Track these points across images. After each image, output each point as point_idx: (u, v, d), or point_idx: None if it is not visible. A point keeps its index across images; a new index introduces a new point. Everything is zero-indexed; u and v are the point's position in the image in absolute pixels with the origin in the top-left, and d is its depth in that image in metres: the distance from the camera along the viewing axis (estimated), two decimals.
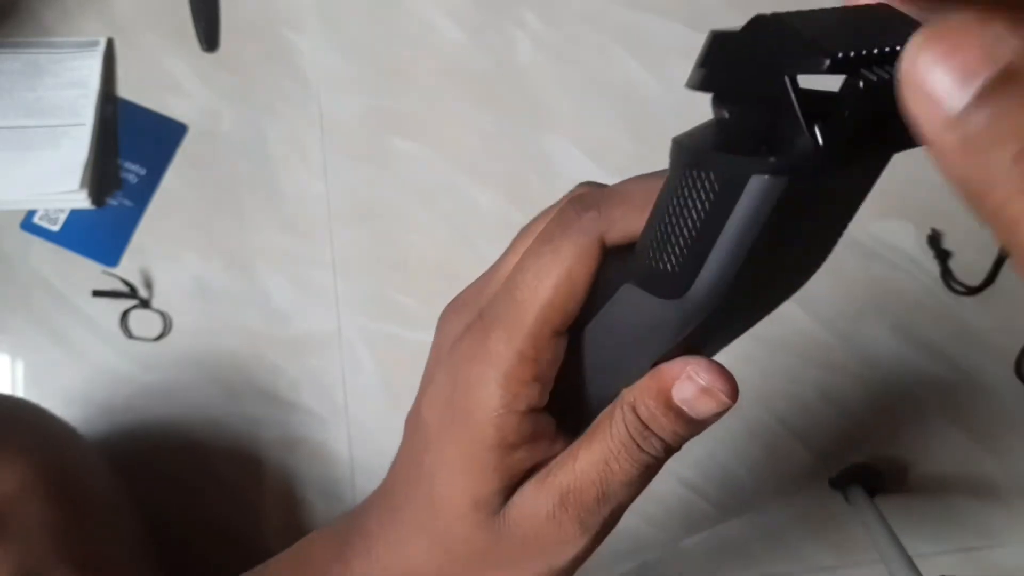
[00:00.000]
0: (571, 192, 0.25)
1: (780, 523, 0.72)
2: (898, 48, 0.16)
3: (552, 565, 0.26)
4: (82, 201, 0.70)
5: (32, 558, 0.43)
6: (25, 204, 0.71)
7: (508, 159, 0.76)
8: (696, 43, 0.19)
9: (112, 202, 0.72)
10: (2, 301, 0.70)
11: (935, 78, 0.13)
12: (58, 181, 0.69)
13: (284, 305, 0.71)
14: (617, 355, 0.25)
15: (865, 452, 0.73)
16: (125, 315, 0.69)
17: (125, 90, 0.75)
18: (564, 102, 0.77)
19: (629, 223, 0.22)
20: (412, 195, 0.74)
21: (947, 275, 0.75)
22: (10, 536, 0.43)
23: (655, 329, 0.23)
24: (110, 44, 0.75)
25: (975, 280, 0.75)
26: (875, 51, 0.16)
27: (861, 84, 0.16)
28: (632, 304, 0.23)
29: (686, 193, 0.19)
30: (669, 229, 0.20)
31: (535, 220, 0.26)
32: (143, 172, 0.73)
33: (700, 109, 0.21)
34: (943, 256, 0.75)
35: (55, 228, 0.71)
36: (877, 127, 0.16)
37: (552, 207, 0.25)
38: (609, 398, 0.26)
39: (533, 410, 0.24)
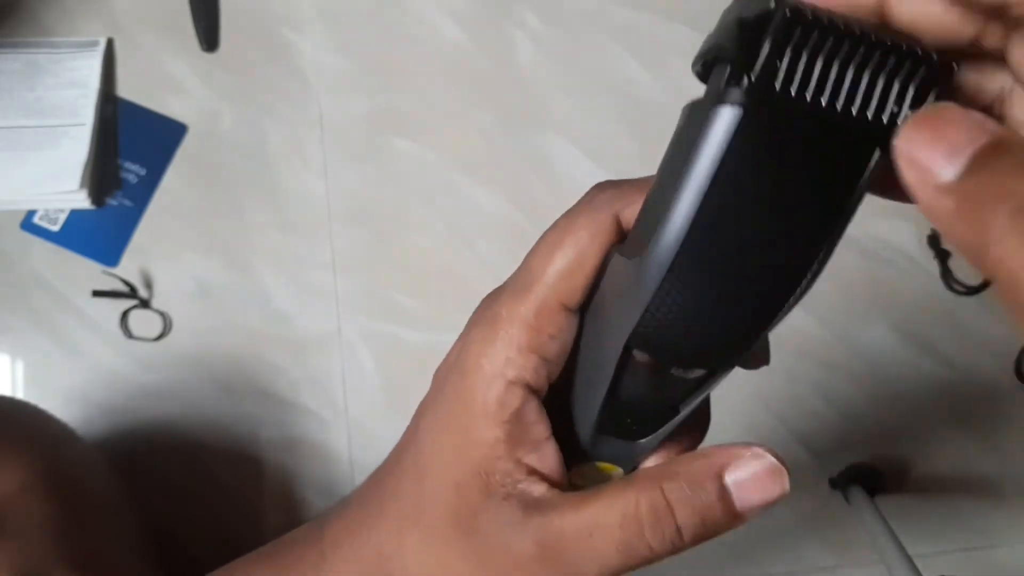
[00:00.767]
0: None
1: (780, 523, 0.72)
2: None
3: None
4: (82, 201, 0.70)
5: (31, 558, 0.43)
6: (25, 204, 0.71)
7: (508, 159, 0.76)
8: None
9: (112, 202, 0.72)
10: (2, 301, 0.69)
11: (927, 154, 0.16)
12: (58, 181, 0.69)
13: (284, 305, 0.71)
14: (598, 338, 0.23)
15: (865, 452, 0.73)
16: (125, 315, 0.69)
17: (125, 90, 0.75)
18: (564, 102, 0.77)
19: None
20: (412, 195, 0.74)
21: (947, 275, 0.75)
22: (9, 536, 0.43)
23: (623, 296, 0.22)
24: (110, 44, 0.75)
25: (975, 280, 0.75)
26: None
27: (786, 12, 0.17)
28: (613, 273, 0.22)
29: (667, 152, 0.20)
30: (652, 189, 0.21)
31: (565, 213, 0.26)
32: (143, 172, 0.73)
33: None
34: (943, 256, 0.75)
35: (55, 228, 0.71)
36: (822, 83, 0.17)
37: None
38: (590, 398, 0.24)
39: (526, 388, 0.23)
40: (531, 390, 0.23)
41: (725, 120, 0.18)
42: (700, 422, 0.26)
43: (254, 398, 0.69)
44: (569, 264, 0.22)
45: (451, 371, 0.24)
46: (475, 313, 0.25)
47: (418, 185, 0.75)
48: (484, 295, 0.25)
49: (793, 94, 0.18)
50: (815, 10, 0.17)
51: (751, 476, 0.21)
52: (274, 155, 0.74)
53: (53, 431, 0.54)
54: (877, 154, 0.18)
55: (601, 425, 0.25)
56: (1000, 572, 0.72)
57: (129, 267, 0.70)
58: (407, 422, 0.27)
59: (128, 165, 0.73)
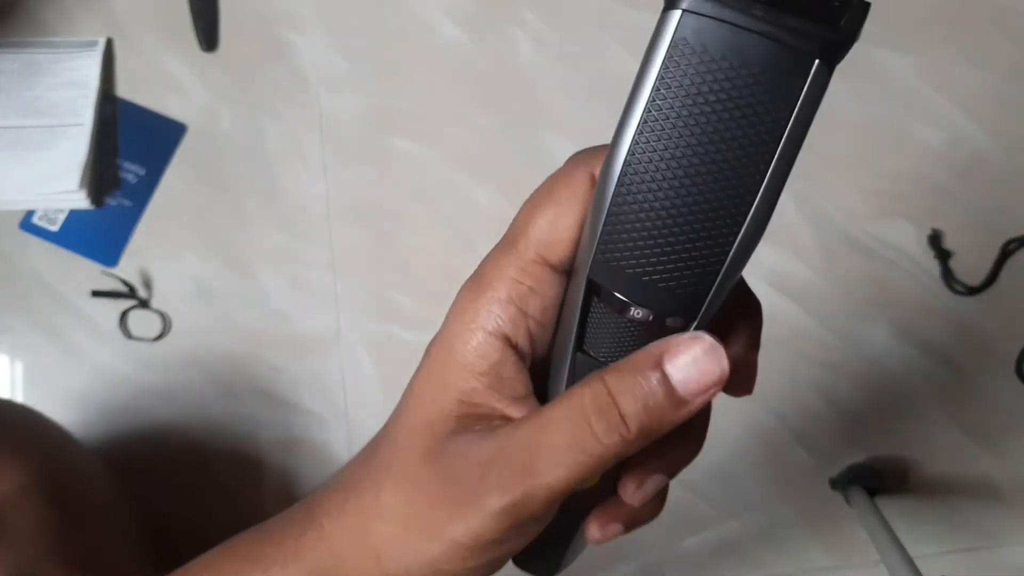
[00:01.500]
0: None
1: (780, 524, 0.72)
2: None
3: (452, 536, 0.22)
4: (81, 201, 0.70)
5: (29, 560, 0.43)
6: (24, 204, 0.71)
7: (508, 159, 0.76)
8: None
9: (111, 202, 0.72)
10: (1, 301, 0.69)
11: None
12: (57, 181, 0.69)
13: (284, 305, 0.71)
14: (572, 286, 0.23)
15: (865, 452, 0.73)
16: (124, 315, 0.69)
17: (124, 90, 0.75)
18: (564, 102, 0.77)
19: None
20: (412, 195, 0.74)
21: (947, 275, 0.75)
22: (6, 539, 0.43)
23: (586, 229, 0.22)
24: (109, 44, 0.75)
25: (975, 280, 0.75)
26: None
27: None
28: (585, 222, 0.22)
29: None
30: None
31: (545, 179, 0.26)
32: (142, 172, 0.73)
33: None
34: (943, 256, 0.75)
35: (54, 228, 0.70)
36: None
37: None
38: (562, 353, 0.24)
39: (505, 341, 0.23)
40: (511, 344, 0.23)
41: (668, 25, 0.19)
42: (693, 433, 0.26)
43: (253, 398, 0.69)
44: (548, 220, 0.23)
45: (441, 330, 0.25)
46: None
47: (418, 185, 0.75)
48: None
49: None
50: None
51: (690, 358, 0.21)
52: (274, 155, 0.74)
53: (50, 434, 0.54)
54: (816, 65, 0.19)
55: (572, 382, 0.25)
56: (1000, 572, 0.72)
57: (128, 267, 0.70)
58: None
59: (127, 165, 0.73)
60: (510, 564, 0.27)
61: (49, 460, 0.49)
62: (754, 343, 0.25)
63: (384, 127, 0.76)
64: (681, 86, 0.19)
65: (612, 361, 0.23)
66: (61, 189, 0.69)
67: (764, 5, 0.18)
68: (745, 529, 0.71)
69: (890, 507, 0.68)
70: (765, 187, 0.20)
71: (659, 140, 0.19)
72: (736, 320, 0.24)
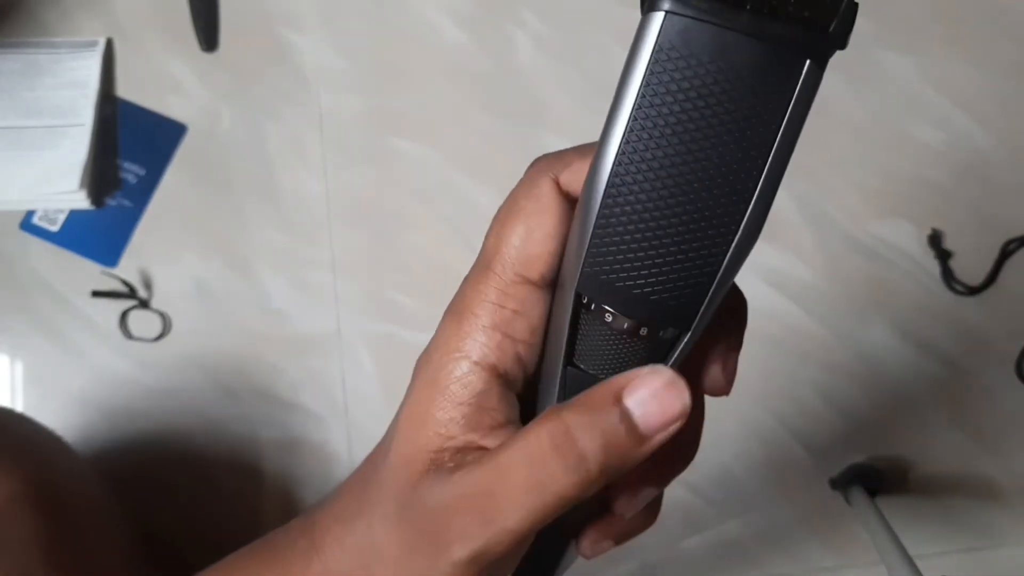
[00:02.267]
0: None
1: (780, 524, 0.72)
2: None
3: None
4: (81, 201, 0.70)
5: (20, 569, 0.42)
6: (24, 204, 0.71)
7: (508, 159, 0.76)
8: None
9: (111, 202, 0.72)
10: (1, 302, 0.69)
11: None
12: (57, 181, 0.69)
13: (284, 305, 0.71)
14: (559, 300, 0.22)
15: (865, 452, 0.73)
16: (124, 315, 0.69)
17: (124, 90, 0.75)
18: (564, 102, 0.77)
19: (587, 159, 0.21)
20: (412, 195, 0.74)
21: (947, 275, 0.75)
22: None
23: (573, 242, 0.21)
24: (109, 44, 0.75)
25: (975, 280, 0.75)
26: None
27: None
28: (569, 234, 0.22)
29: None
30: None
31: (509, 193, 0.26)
32: (142, 172, 0.73)
33: None
34: (943, 256, 0.75)
35: (54, 228, 0.71)
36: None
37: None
38: (552, 369, 0.23)
39: (491, 370, 0.22)
40: (497, 373, 0.23)
41: (650, 28, 0.18)
42: (685, 444, 0.25)
43: (253, 398, 0.69)
44: (520, 236, 0.22)
45: (424, 356, 0.24)
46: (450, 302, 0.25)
47: (418, 185, 0.75)
48: None
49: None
50: None
51: (650, 393, 0.20)
52: (274, 155, 0.74)
53: (42, 441, 0.53)
54: (807, 64, 0.18)
55: (564, 398, 0.24)
56: (1000, 572, 0.72)
57: (128, 267, 0.70)
58: None
59: (127, 165, 0.73)
60: None
61: (41, 469, 0.48)
62: (736, 344, 0.24)
63: (384, 127, 0.76)
64: (668, 91, 0.18)
65: (604, 375, 0.22)
66: (61, 189, 0.69)
67: (752, 4, 0.17)
68: (745, 529, 0.71)
69: (890, 507, 0.68)
70: (760, 191, 0.19)
71: (647, 148, 0.19)
72: (719, 319, 0.22)
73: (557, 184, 0.22)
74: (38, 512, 0.45)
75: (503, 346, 0.22)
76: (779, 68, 0.18)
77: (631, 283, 0.20)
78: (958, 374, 0.74)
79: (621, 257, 0.20)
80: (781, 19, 0.18)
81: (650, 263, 0.20)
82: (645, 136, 0.19)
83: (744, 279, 0.21)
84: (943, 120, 0.79)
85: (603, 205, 0.19)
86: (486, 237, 0.23)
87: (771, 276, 0.73)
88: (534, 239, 0.22)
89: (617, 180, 0.19)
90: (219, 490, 0.68)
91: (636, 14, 0.19)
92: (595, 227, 0.20)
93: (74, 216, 0.71)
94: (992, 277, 0.75)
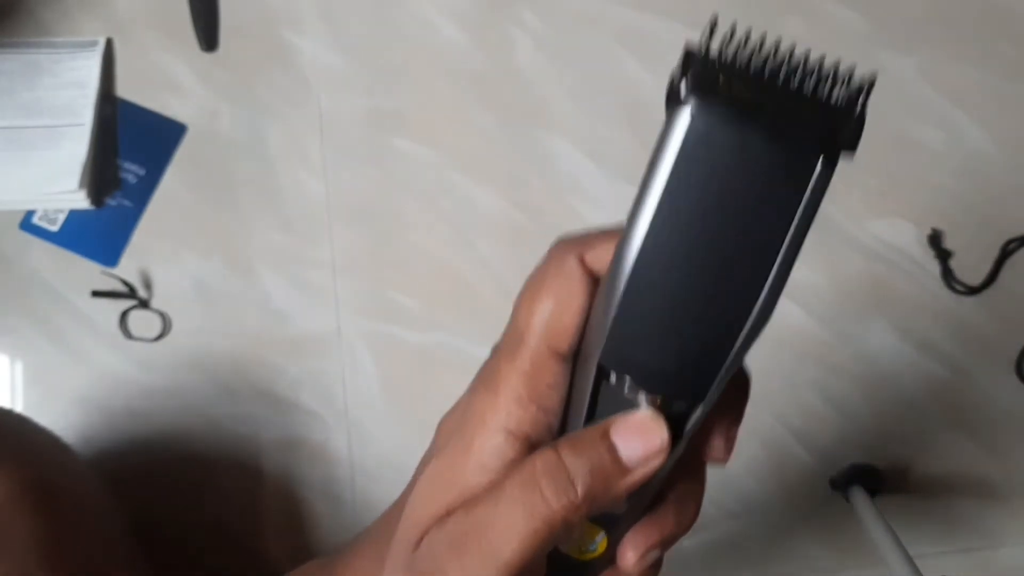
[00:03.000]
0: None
1: (780, 524, 0.72)
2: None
3: None
4: (81, 201, 0.70)
5: (18, 570, 0.42)
6: (24, 204, 0.71)
7: (508, 159, 0.76)
8: None
9: (111, 202, 0.72)
10: (1, 302, 0.69)
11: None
12: (57, 181, 0.69)
13: (284, 305, 0.71)
14: (581, 371, 0.24)
15: (865, 452, 0.73)
16: (124, 315, 0.69)
17: (124, 90, 0.75)
18: (564, 102, 0.77)
19: (610, 241, 0.23)
20: (412, 195, 0.74)
21: (947, 275, 0.75)
22: None
23: (596, 317, 0.22)
24: (109, 44, 0.75)
25: (975, 280, 0.75)
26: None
27: (699, 50, 0.19)
28: (593, 309, 0.23)
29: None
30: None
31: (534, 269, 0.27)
32: (142, 172, 0.73)
33: None
34: (943, 256, 0.75)
35: (54, 228, 0.71)
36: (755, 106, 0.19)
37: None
38: (571, 431, 0.25)
39: (525, 440, 0.24)
40: (530, 443, 0.24)
41: (679, 122, 0.19)
42: (687, 501, 0.27)
43: (254, 398, 0.69)
44: (550, 311, 0.24)
45: (456, 423, 0.25)
46: (479, 371, 0.26)
47: (418, 185, 0.75)
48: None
49: (737, 82, 0.19)
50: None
51: (632, 430, 0.23)
52: (274, 155, 0.74)
53: (41, 441, 0.53)
54: (820, 163, 0.19)
55: None
56: (1000, 572, 0.72)
57: (128, 267, 0.70)
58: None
59: (127, 165, 0.73)
60: None
61: (40, 470, 0.48)
62: (737, 418, 0.26)
63: (384, 127, 0.76)
64: (692, 185, 0.20)
65: None
66: (61, 189, 0.69)
67: (772, 107, 0.19)
68: (745, 529, 0.71)
69: (890, 507, 0.68)
70: (773, 277, 0.20)
71: (670, 235, 0.20)
72: (725, 394, 0.24)
73: (583, 262, 0.23)
74: (38, 513, 0.45)
75: (537, 418, 0.24)
76: (793, 167, 0.20)
77: (650, 357, 0.22)
78: (958, 374, 0.74)
79: (643, 333, 0.22)
80: (798, 124, 0.19)
81: (669, 340, 0.22)
82: (669, 224, 0.20)
83: None
84: (943, 120, 0.79)
85: (628, 285, 0.21)
86: (515, 311, 0.25)
87: None
88: (564, 312, 0.24)
89: (642, 262, 0.21)
90: (219, 490, 0.68)
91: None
92: (620, 305, 0.21)
93: (74, 216, 0.71)
94: (992, 277, 0.75)
